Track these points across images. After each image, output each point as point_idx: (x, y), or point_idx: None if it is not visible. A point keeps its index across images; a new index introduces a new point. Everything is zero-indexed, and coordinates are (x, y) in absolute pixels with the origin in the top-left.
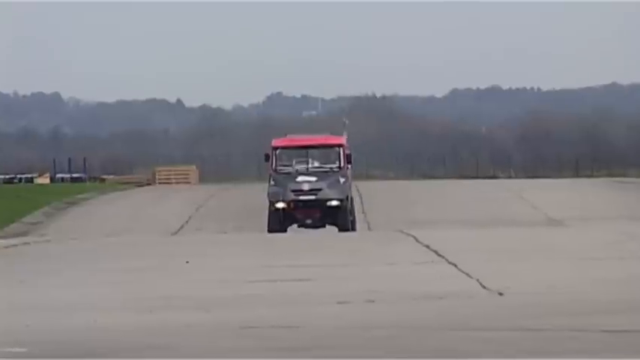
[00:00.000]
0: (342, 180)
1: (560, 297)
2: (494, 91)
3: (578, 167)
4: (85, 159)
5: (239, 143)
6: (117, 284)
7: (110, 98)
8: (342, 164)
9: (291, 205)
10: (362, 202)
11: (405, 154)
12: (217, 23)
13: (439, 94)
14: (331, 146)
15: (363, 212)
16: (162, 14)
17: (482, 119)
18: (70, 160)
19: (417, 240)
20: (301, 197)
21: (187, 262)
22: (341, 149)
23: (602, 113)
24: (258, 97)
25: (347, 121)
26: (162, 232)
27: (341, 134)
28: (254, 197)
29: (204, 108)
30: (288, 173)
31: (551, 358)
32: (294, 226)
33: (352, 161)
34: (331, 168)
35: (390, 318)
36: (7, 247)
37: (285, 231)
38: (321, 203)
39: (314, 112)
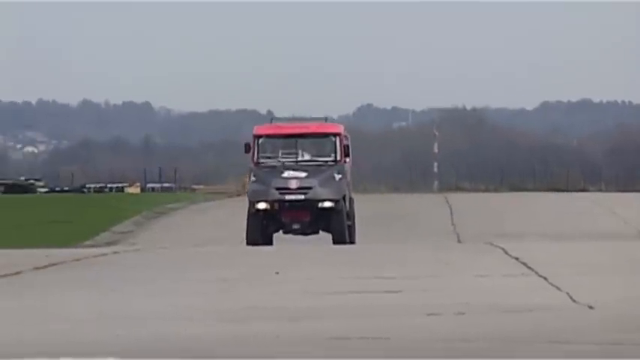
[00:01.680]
0: (337, 176)
1: None
2: (584, 104)
3: None
4: (175, 169)
5: None
6: (206, 294)
7: (201, 108)
8: (338, 157)
9: (275, 206)
10: (452, 214)
11: (495, 166)
12: (309, 33)
13: (529, 107)
14: (325, 135)
15: (452, 224)
16: (253, 26)
17: (572, 132)
18: (160, 169)
19: (506, 252)
20: (287, 197)
21: (277, 272)
22: (337, 139)
23: None
24: (348, 109)
25: (437, 133)
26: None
27: (431, 146)
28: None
29: (294, 120)
30: (273, 167)
31: None
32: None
33: (351, 154)
34: (325, 162)
35: (479, 330)
36: (97, 255)
37: (270, 240)
38: (311, 204)
39: (404, 124)
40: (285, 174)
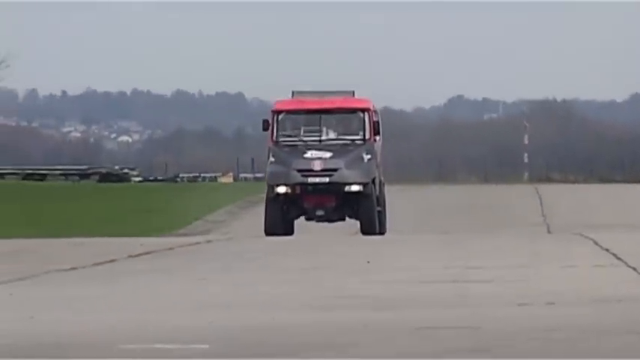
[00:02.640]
0: (366, 157)
1: None
2: None
3: None
4: None
5: (418, 145)
6: (295, 283)
7: None
8: (367, 135)
9: (297, 189)
10: (541, 205)
11: (584, 157)
12: (397, 24)
13: (619, 99)
14: (353, 111)
15: (542, 215)
16: (347, 16)
17: None
18: (253, 160)
19: (596, 243)
20: (310, 179)
21: (368, 262)
22: (366, 115)
23: None
24: (440, 100)
25: (527, 125)
26: (341, 232)
27: (522, 137)
28: (436, 198)
29: (386, 110)
30: (294, 147)
31: None
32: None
33: (381, 132)
34: (353, 140)
35: (570, 321)
36: (190, 244)
37: (291, 228)
38: (337, 188)
39: (494, 115)
40: (308, 154)
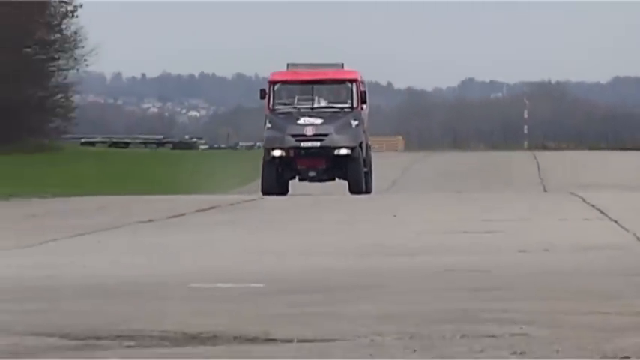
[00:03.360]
0: (354, 123)
1: None
2: None
3: None
4: None
5: (437, 120)
6: (333, 234)
7: None
8: (355, 104)
9: (291, 153)
10: (538, 168)
11: (575, 129)
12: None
13: (603, 81)
14: (342, 81)
15: (539, 177)
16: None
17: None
18: None
19: (584, 200)
20: (303, 144)
21: (395, 215)
22: (354, 85)
23: None
24: (454, 81)
25: (527, 102)
26: (373, 191)
27: (522, 113)
28: (452, 163)
29: (410, 89)
30: (288, 114)
31: None
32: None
33: (368, 101)
34: (342, 108)
35: (562, 264)
36: (247, 201)
37: (285, 188)
38: (327, 152)
39: (500, 94)
40: (301, 121)
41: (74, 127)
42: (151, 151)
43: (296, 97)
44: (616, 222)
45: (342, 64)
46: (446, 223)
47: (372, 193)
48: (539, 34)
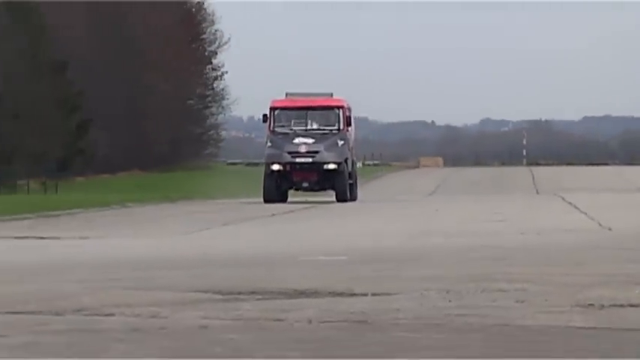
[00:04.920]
0: (340, 142)
1: None
2: (606, 117)
3: None
4: (380, 153)
5: (464, 146)
6: (392, 223)
7: None
8: (341, 126)
9: (288, 167)
10: (533, 178)
11: (558, 151)
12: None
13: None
14: (331, 108)
15: (534, 184)
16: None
17: (604, 133)
18: (372, 154)
19: (564, 199)
20: (298, 159)
21: (437, 210)
22: (341, 111)
23: None
24: (476, 119)
25: (525, 134)
26: (422, 193)
27: (522, 141)
28: (475, 175)
29: (447, 126)
30: (286, 134)
31: None
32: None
33: (353, 124)
34: (330, 130)
35: (550, 243)
36: (328, 202)
37: (285, 196)
38: (318, 166)
39: (506, 128)
40: (296, 140)
41: (222, 153)
42: None
43: (292, 121)
44: (585, 214)
45: (332, 94)
46: (470, 215)
47: (422, 196)
48: (532, 86)
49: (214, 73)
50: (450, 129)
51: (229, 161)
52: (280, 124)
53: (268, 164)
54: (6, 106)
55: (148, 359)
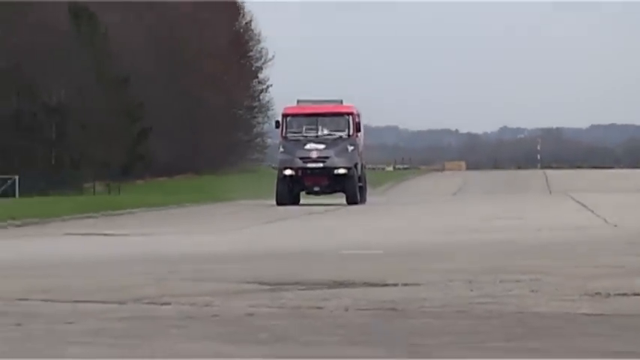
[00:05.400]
0: (350, 148)
1: None
2: (613, 126)
3: None
4: (410, 158)
5: (485, 152)
6: (419, 221)
7: None
8: (351, 132)
9: (299, 172)
10: (547, 180)
11: (569, 156)
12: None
13: (584, 127)
14: (341, 114)
15: (547, 185)
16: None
17: (610, 141)
18: (402, 158)
19: (573, 198)
20: (309, 165)
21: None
22: (350, 117)
23: None
24: (495, 128)
25: (539, 140)
26: (446, 194)
27: (536, 146)
28: (494, 177)
29: (469, 134)
30: (298, 140)
31: None
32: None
33: (362, 129)
34: (340, 136)
35: (560, 238)
36: (367, 203)
37: (296, 199)
38: (328, 171)
39: (522, 135)
40: (308, 146)
41: (267, 158)
42: None
43: (304, 127)
44: (592, 212)
45: (342, 100)
46: (490, 213)
47: (446, 196)
48: (545, 97)
49: (260, 87)
50: (471, 136)
51: (274, 165)
52: (292, 130)
53: (281, 169)
54: (74, 117)
55: (198, 342)
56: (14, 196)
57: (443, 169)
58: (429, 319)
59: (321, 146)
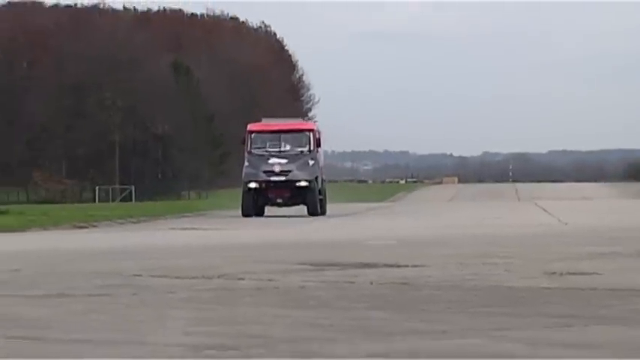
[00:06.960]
0: (311, 162)
1: (599, 227)
2: (567, 152)
3: None
4: (418, 173)
5: (471, 170)
6: (423, 220)
7: None
8: (312, 148)
9: (263, 185)
10: (516, 190)
11: (535, 172)
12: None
13: (543, 151)
14: (302, 131)
15: (516, 194)
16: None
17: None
18: (412, 174)
19: (537, 204)
20: (272, 178)
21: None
22: (311, 134)
23: None
24: (479, 152)
25: (511, 161)
26: (443, 200)
27: (508, 167)
28: (479, 189)
29: (460, 157)
30: (262, 155)
31: (599, 245)
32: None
33: (322, 145)
34: (302, 151)
35: (529, 233)
36: (388, 206)
37: (261, 210)
38: (291, 184)
39: (499, 159)
40: (271, 160)
41: None
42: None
43: (267, 143)
44: (550, 214)
45: (302, 118)
46: (476, 214)
47: (443, 202)
48: (515, 130)
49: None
50: (462, 158)
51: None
52: (257, 145)
53: (246, 182)
54: (174, 143)
55: (265, 307)
56: (131, 200)
57: (441, 182)
58: (432, 291)
59: (284, 161)
